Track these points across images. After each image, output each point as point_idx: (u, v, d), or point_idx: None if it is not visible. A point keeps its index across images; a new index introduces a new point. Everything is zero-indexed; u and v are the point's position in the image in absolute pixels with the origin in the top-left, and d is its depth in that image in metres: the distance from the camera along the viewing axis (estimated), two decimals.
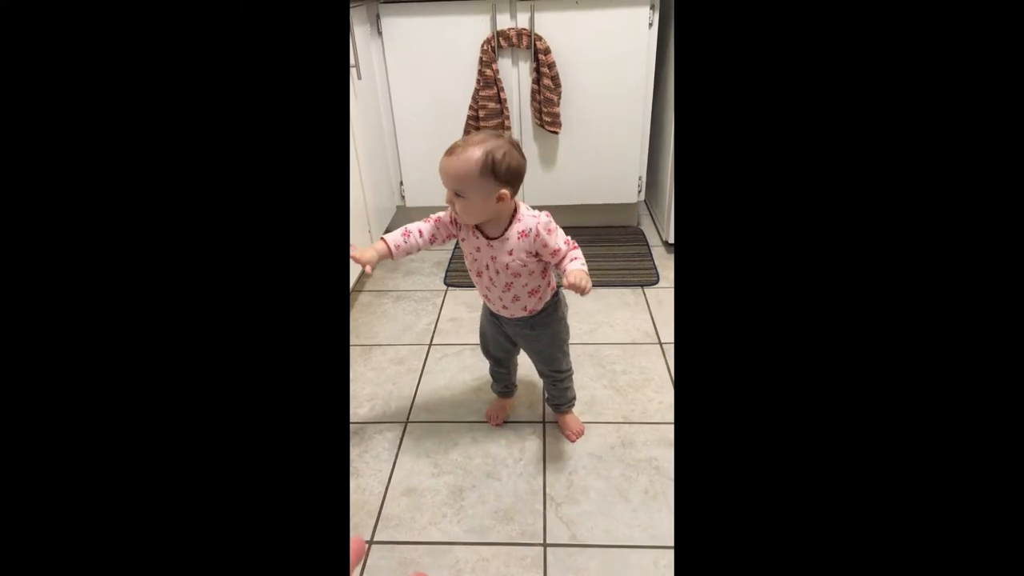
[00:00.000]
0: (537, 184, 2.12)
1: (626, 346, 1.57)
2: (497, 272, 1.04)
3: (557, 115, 1.96)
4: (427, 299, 1.86)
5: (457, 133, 2.05)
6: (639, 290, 1.84)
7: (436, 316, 1.76)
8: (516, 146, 0.97)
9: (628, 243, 2.14)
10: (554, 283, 1.12)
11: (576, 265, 0.99)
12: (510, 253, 1.01)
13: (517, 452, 1.25)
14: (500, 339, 1.21)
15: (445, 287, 1.92)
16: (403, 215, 2.24)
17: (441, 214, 1.11)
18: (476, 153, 0.92)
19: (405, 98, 2.02)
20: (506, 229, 1.00)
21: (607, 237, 2.19)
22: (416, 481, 1.19)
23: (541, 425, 1.32)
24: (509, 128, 1.99)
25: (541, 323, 1.13)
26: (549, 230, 1.00)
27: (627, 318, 1.69)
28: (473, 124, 2.01)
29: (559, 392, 1.25)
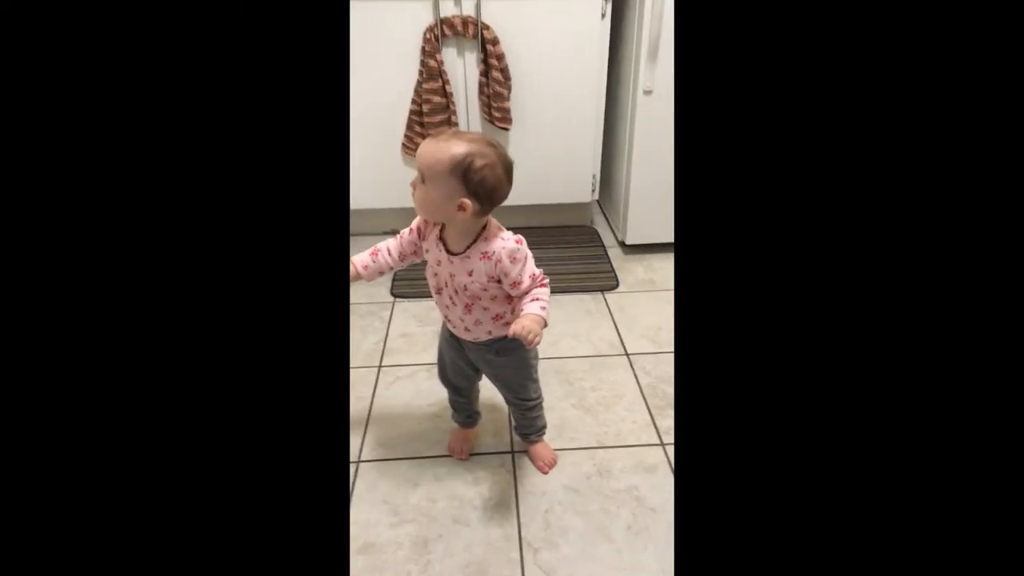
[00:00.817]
0: None
1: (592, 359, 1.48)
2: (456, 291, 0.94)
3: (507, 110, 1.84)
4: (373, 313, 1.70)
5: (398, 129, 1.89)
6: (599, 296, 1.76)
7: (384, 332, 1.61)
8: (508, 168, 0.86)
9: (583, 244, 2.05)
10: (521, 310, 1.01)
11: (534, 308, 0.88)
12: (470, 274, 0.91)
13: (486, 490, 1.13)
14: (460, 364, 1.09)
15: (392, 298, 1.77)
16: None
17: (404, 230, 1.02)
18: (458, 148, 0.82)
19: None
20: (469, 246, 0.90)
21: (561, 238, 2.09)
22: (374, 534, 1.05)
23: (510, 456, 1.21)
24: (456, 124, 1.85)
25: (507, 348, 1.01)
26: (514, 259, 0.88)
27: (590, 327, 1.60)
28: (416, 119, 1.85)
29: (528, 421, 1.14)
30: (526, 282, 0.90)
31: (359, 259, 1.01)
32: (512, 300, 0.95)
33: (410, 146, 1.90)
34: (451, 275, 0.93)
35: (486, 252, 0.89)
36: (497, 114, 1.83)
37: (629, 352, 1.51)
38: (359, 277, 1.00)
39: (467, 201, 0.84)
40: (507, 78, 1.79)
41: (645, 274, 1.86)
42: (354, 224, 2.09)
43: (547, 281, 0.92)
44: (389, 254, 1.01)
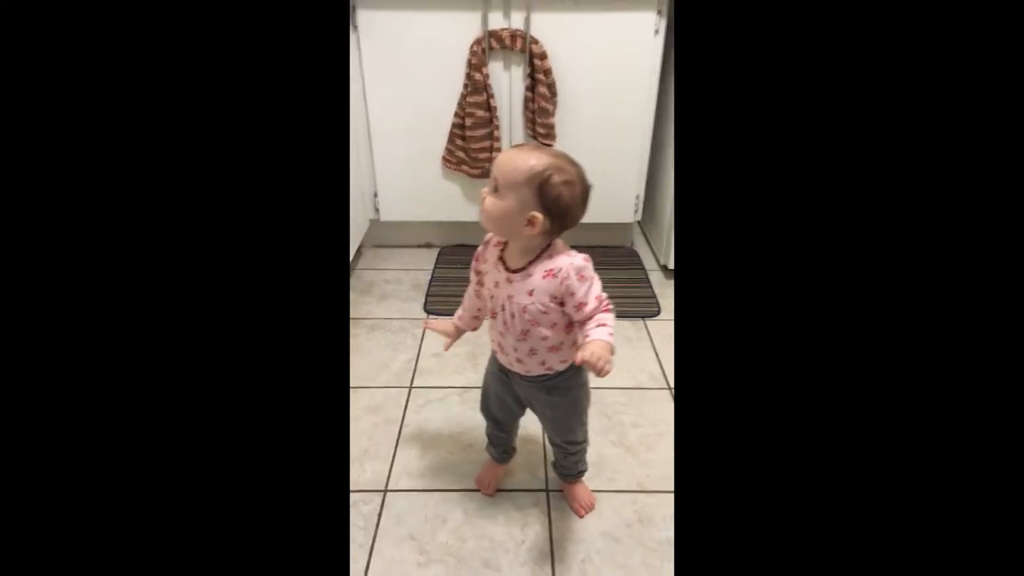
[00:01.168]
0: None
1: (632, 392, 1.41)
2: (513, 315, 0.88)
3: (552, 126, 1.78)
4: (405, 330, 1.65)
5: (439, 142, 1.85)
6: (640, 323, 1.68)
7: (417, 351, 1.56)
8: (586, 190, 0.83)
9: (624, 267, 1.98)
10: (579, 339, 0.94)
11: (601, 333, 0.81)
12: (530, 294, 0.85)
13: (518, 532, 1.06)
14: (507, 399, 1.02)
15: (426, 315, 1.72)
16: (377, 230, 2.02)
17: (466, 299, 1.04)
18: (539, 160, 0.79)
19: (382, 101, 1.80)
20: (531, 262, 0.84)
21: (601, 259, 1.99)
22: (398, 573, 0.99)
23: (544, 495, 1.14)
24: (498, 139, 1.80)
25: (560, 387, 0.95)
26: (581, 276, 0.83)
27: (630, 357, 1.53)
28: (458, 133, 1.81)
29: (570, 463, 1.07)
30: (591, 303, 0.83)
31: (454, 319, 1.04)
32: (570, 330, 0.88)
33: (450, 159, 1.86)
34: (509, 296, 0.87)
35: (551, 269, 0.83)
36: (541, 130, 1.77)
37: (671, 386, 1.43)
38: (459, 331, 1.04)
39: (537, 215, 0.79)
40: (553, 94, 1.74)
41: None
42: (388, 236, 2.06)
43: (612, 306, 0.84)
44: (461, 319, 1.03)
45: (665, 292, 1.82)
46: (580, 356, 0.76)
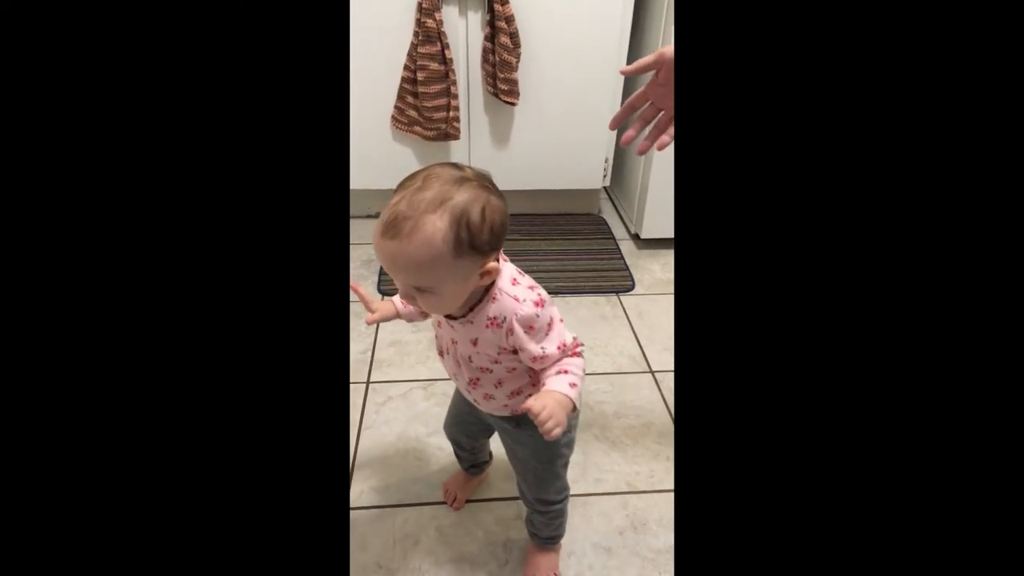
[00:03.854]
0: (486, 164, 1.75)
1: (613, 377, 1.30)
2: (458, 363, 0.72)
3: (515, 82, 1.60)
4: (358, 314, 1.46)
5: (387, 98, 1.63)
6: (614, 298, 1.57)
7: (372, 340, 1.39)
8: (488, 183, 0.61)
9: (592, 236, 1.85)
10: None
11: (560, 384, 0.64)
12: (474, 343, 0.67)
13: (500, 551, 0.95)
14: (472, 420, 0.86)
15: (381, 296, 1.54)
16: None
17: None
18: (438, 225, 0.55)
19: None
20: (473, 307, 0.65)
21: (567, 227, 1.88)
22: None
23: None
24: (455, 96, 1.60)
25: (533, 424, 0.73)
26: (531, 328, 0.64)
27: (607, 337, 1.42)
28: (409, 89, 1.60)
29: (544, 523, 0.87)
30: (552, 352, 0.65)
31: (396, 301, 0.79)
32: (533, 372, 0.71)
33: (401, 120, 1.66)
34: (453, 341, 0.71)
35: (494, 318, 0.64)
36: (503, 86, 1.59)
37: (653, 369, 1.33)
38: (397, 315, 0.80)
39: (492, 265, 0.61)
40: (516, 45, 1.55)
41: (663, 273, 1.67)
42: None
43: (581, 349, 0.68)
44: (406, 304, 0.79)
45: (638, 263, 1.71)
46: (525, 404, 0.60)
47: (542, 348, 0.65)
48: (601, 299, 1.55)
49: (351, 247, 1.73)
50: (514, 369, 0.70)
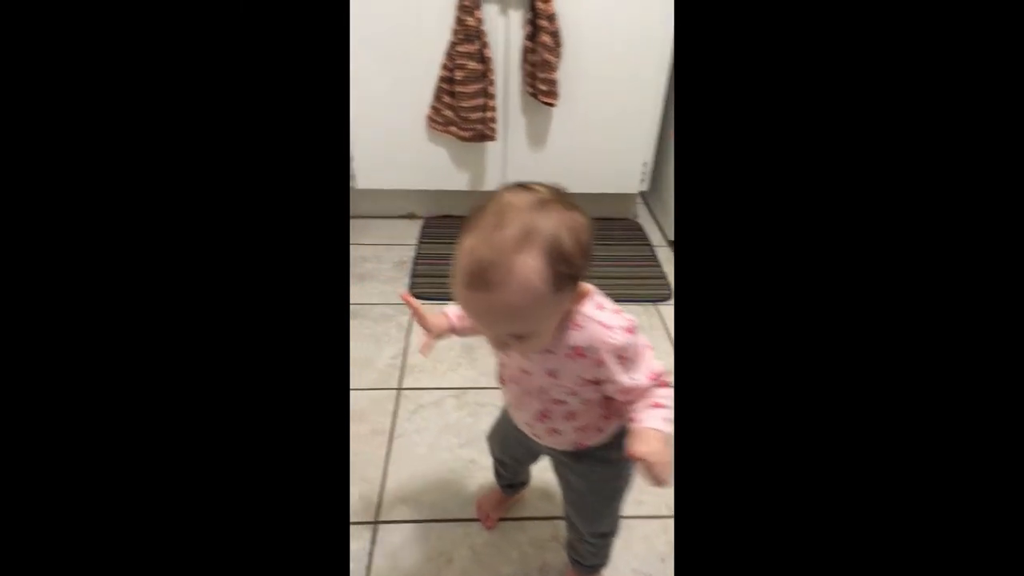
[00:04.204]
0: (521, 166, 1.72)
1: None
2: (528, 393, 0.66)
3: (555, 83, 1.56)
4: (389, 318, 1.45)
5: (423, 98, 1.60)
6: (651, 308, 1.52)
7: (403, 344, 1.36)
8: (564, 197, 0.54)
9: (628, 242, 1.80)
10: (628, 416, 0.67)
11: (655, 420, 0.57)
12: (551, 375, 0.61)
13: (536, 574, 0.91)
14: (523, 449, 0.80)
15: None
16: (352, 199, 1.79)
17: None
18: (532, 265, 0.49)
19: (358, 49, 1.54)
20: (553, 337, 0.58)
21: (602, 232, 1.80)
22: None
23: (564, 523, 0.98)
24: (493, 96, 1.56)
25: (594, 457, 0.70)
26: (622, 357, 0.58)
27: None
28: (446, 88, 1.57)
29: (590, 552, 0.82)
30: (642, 382, 0.59)
31: (454, 311, 0.71)
32: (610, 403, 0.65)
33: (437, 120, 1.62)
34: (523, 371, 0.64)
35: (578, 347, 0.57)
36: (543, 87, 1.55)
37: None
38: (452, 330, 0.71)
39: (585, 287, 0.56)
40: (558, 44, 1.51)
41: None
42: (365, 206, 1.83)
43: (671, 379, 0.59)
44: (462, 319, 0.71)
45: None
46: (635, 450, 0.54)
47: (633, 379, 0.58)
48: (638, 308, 1.50)
49: (384, 248, 1.71)
50: (590, 401, 0.64)
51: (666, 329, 1.44)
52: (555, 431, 0.67)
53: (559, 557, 0.93)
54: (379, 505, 1.00)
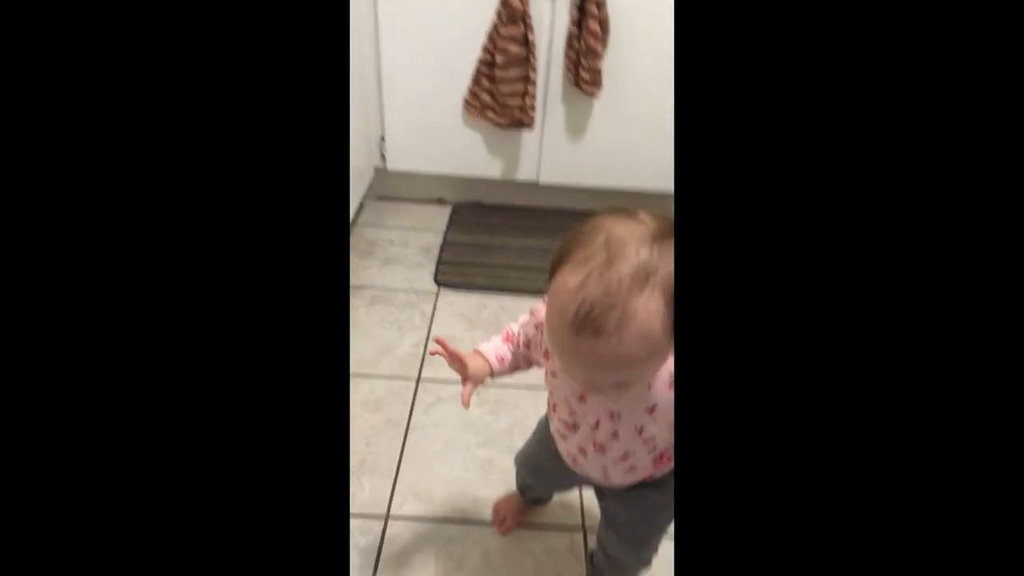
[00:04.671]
0: (558, 157, 1.67)
1: None
2: (615, 435, 0.58)
3: (599, 72, 1.49)
4: (413, 304, 1.42)
5: (462, 80, 1.55)
6: None
7: (426, 332, 1.33)
8: (665, 225, 0.47)
9: None
10: None
11: None
12: (651, 411, 0.55)
13: None
14: (558, 476, 0.74)
15: (437, 287, 1.48)
16: (382, 180, 1.75)
17: (515, 328, 0.68)
18: (652, 309, 0.43)
19: (397, 27, 1.50)
20: None
21: None
22: None
23: (582, 535, 0.94)
24: (534, 83, 1.51)
25: (659, 488, 0.65)
26: None
27: None
28: (486, 72, 1.52)
29: (621, 571, 0.78)
30: None
31: (489, 350, 0.66)
32: None
33: (474, 104, 1.57)
34: (610, 414, 0.57)
35: None
36: (586, 75, 1.48)
37: None
38: (490, 373, 0.66)
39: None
40: (605, 31, 1.44)
41: None
42: (394, 187, 1.79)
43: None
44: (508, 366, 0.67)
45: None
46: None
47: None
48: None
49: (412, 233, 1.68)
50: (670, 425, 0.57)
51: None
52: (633, 468, 0.62)
53: (574, 571, 0.88)
54: (391, 498, 0.97)
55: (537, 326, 0.63)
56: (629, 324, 0.42)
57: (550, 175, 1.70)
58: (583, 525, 0.95)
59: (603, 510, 0.73)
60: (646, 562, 0.76)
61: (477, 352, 0.66)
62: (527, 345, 0.65)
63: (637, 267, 0.43)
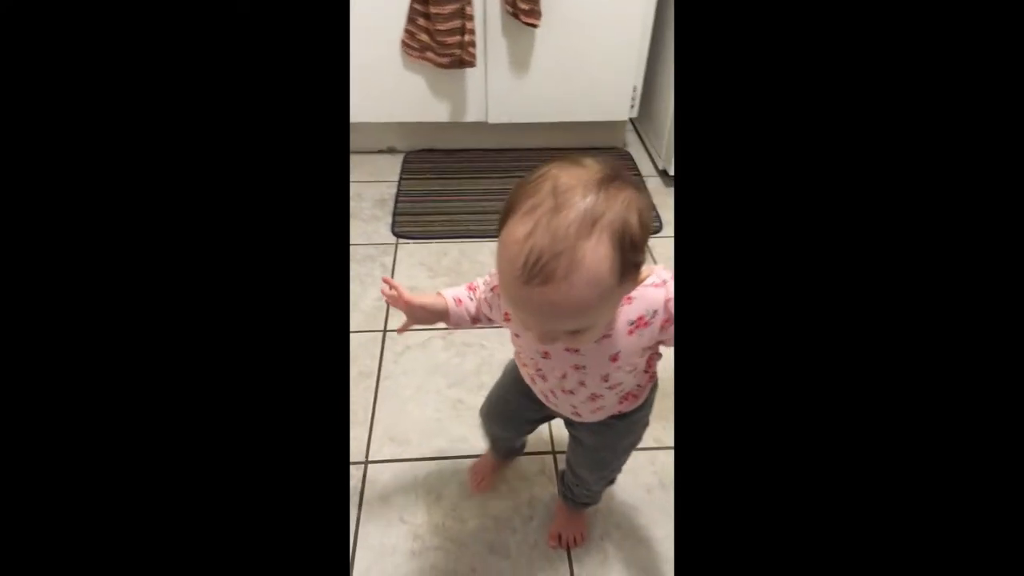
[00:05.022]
0: (504, 94, 1.64)
1: None
2: (582, 383, 0.61)
3: (537, 1, 1.45)
4: (372, 258, 1.42)
5: (395, 23, 1.50)
6: None
7: None
8: (622, 172, 0.48)
9: None
10: (655, 368, 0.67)
11: None
12: (614, 359, 0.57)
13: (525, 507, 0.93)
14: (528, 414, 0.77)
15: (395, 239, 1.48)
16: None
17: (479, 284, 0.67)
18: (601, 253, 0.43)
19: None
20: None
21: None
22: (391, 566, 0.85)
23: (551, 457, 1.00)
24: (470, 17, 1.46)
25: (624, 418, 0.69)
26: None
27: None
28: (420, 10, 1.46)
29: (587, 495, 0.83)
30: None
31: (451, 293, 0.66)
32: (651, 363, 0.64)
33: (412, 45, 1.53)
34: (576, 367, 0.59)
35: (641, 316, 0.54)
36: (524, 5, 1.44)
37: None
38: (445, 317, 0.66)
39: (645, 270, 0.52)
40: None
41: None
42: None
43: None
44: (467, 311, 0.66)
45: (666, 203, 1.61)
46: None
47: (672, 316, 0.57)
48: None
49: (364, 185, 1.65)
50: (635, 369, 0.60)
51: (654, 262, 1.42)
52: (601, 408, 0.65)
53: (547, 490, 0.95)
54: (368, 444, 1.00)
55: (494, 289, 0.63)
56: (578, 270, 0.43)
57: (498, 114, 1.68)
58: (552, 449, 1.01)
59: (571, 436, 0.78)
60: (610, 479, 0.83)
61: (440, 295, 0.66)
62: (489, 306, 0.66)
63: (583, 213, 0.43)
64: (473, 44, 1.50)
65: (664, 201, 1.62)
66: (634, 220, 0.45)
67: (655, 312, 0.54)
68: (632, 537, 0.89)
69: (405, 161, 1.75)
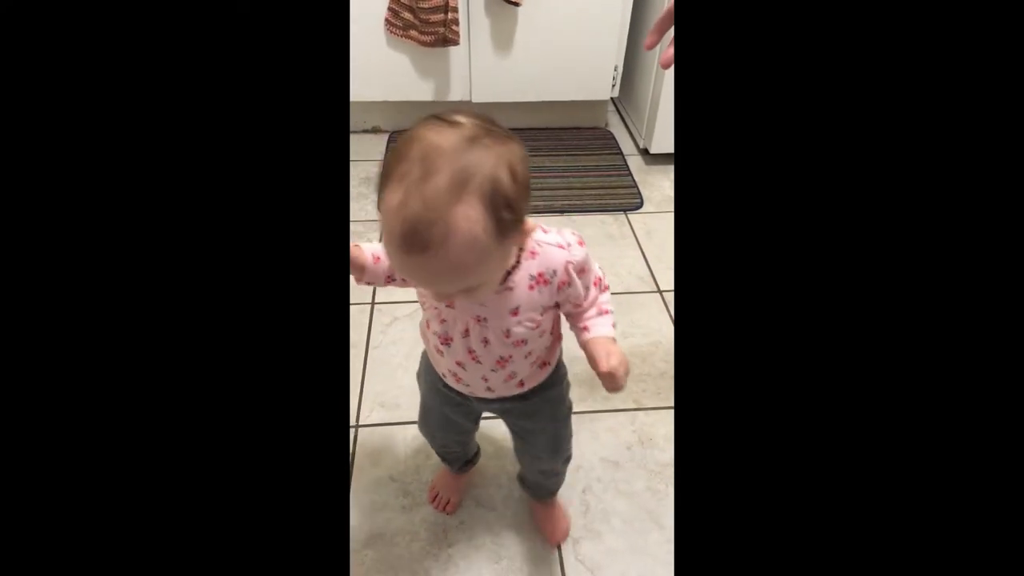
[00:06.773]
0: (487, 73, 1.66)
1: (620, 297, 1.29)
2: (486, 341, 0.60)
3: None
4: (359, 235, 1.44)
5: (379, 3, 1.51)
6: (621, 216, 1.53)
7: None
8: (494, 126, 0.48)
9: (599, 152, 1.78)
10: (561, 332, 0.67)
11: (605, 328, 0.60)
12: (514, 313, 0.57)
13: (510, 464, 0.97)
14: (458, 418, 0.75)
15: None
16: None
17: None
18: (473, 216, 0.44)
19: None
20: (508, 274, 0.56)
21: (572, 143, 1.81)
22: (382, 520, 0.89)
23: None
24: None
25: (539, 391, 0.69)
26: (582, 270, 0.58)
27: (615, 257, 1.39)
28: None
29: (556, 481, 0.84)
30: (592, 293, 0.60)
31: (372, 248, 0.64)
32: (556, 327, 0.65)
33: (395, 24, 1.54)
34: (478, 319, 0.58)
35: (541, 273, 0.56)
36: None
37: (662, 288, 1.31)
38: (360, 273, 0.64)
39: (530, 223, 0.52)
40: None
41: (672, 190, 1.62)
42: None
43: (608, 285, 0.63)
44: (383, 269, 0.64)
45: (646, 180, 1.65)
46: (606, 366, 0.56)
47: (586, 290, 0.59)
48: (608, 218, 1.51)
49: (351, 163, 1.67)
50: (544, 332, 0.62)
51: (635, 236, 1.46)
52: (511, 375, 0.64)
53: None
54: (359, 410, 1.04)
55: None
56: (453, 235, 0.43)
57: (482, 93, 1.70)
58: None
59: (514, 434, 0.78)
60: (567, 458, 0.81)
61: (357, 246, 0.65)
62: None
63: (452, 176, 0.43)
64: (457, 22, 1.52)
65: (644, 179, 1.66)
66: (505, 177, 0.45)
67: (555, 271, 0.56)
68: (612, 490, 0.94)
69: (391, 141, 1.77)
